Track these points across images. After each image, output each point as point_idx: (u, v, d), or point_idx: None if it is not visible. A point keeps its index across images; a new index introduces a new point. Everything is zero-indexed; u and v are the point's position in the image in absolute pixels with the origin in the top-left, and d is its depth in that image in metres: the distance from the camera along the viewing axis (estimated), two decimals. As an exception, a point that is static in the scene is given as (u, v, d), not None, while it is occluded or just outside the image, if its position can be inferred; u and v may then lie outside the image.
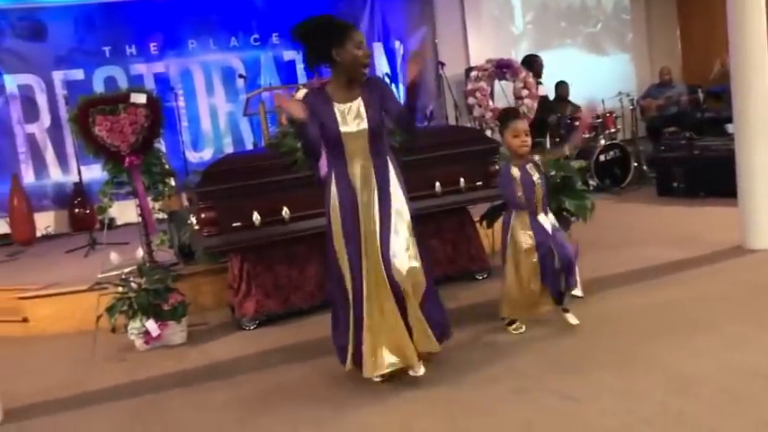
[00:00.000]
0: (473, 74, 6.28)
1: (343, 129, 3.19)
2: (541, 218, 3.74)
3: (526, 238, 3.70)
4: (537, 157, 3.80)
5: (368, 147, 3.22)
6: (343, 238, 3.21)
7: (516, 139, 3.67)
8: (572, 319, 3.78)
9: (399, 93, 9.36)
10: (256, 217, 4.38)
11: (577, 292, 3.85)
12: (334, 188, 3.25)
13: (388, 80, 9.20)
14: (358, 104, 3.21)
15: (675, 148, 7.59)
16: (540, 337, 3.73)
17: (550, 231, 3.72)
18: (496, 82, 6.92)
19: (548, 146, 5.49)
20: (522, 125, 3.69)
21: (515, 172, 3.72)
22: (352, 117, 3.20)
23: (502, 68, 6.20)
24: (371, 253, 3.15)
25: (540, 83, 7.92)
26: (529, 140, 3.69)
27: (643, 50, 10.84)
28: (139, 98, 4.56)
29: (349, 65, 3.15)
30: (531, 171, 3.72)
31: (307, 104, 3.14)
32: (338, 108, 3.21)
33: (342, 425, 2.99)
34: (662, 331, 3.54)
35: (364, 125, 3.19)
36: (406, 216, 3.28)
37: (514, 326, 3.83)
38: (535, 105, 6.40)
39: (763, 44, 4.80)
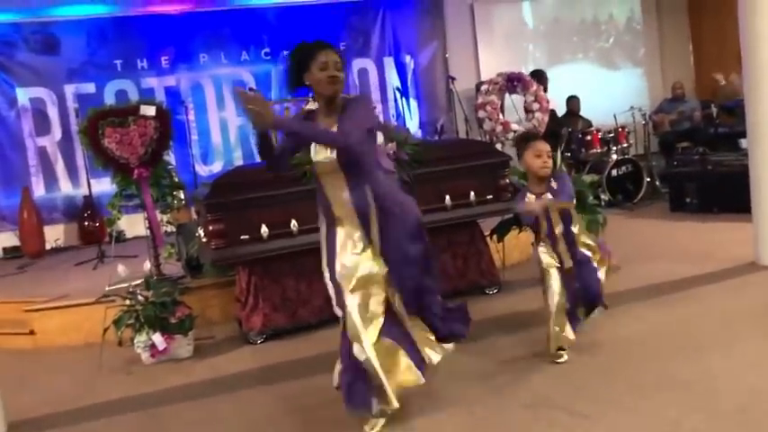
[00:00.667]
0: (483, 87, 6.25)
1: (314, 157, 3.00)
2: (561, 250, 3.53)
3: (550, 260, 3.54)
4: (548, 198, 3.49)
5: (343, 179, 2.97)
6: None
7: (538, 160, 3.46)
8: (561, 358, 3.52)
9: (410, 106, 9.42)
10: (264, 230, 4.35)
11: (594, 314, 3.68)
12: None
13: (398, 94, 9.21)
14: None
15: (688, 164, 7.53)
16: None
17: (574, 268, 3.52)
18: (507, 96, 6.89)
19: (559, 161, 5.42)
20: (544, 146, 3.49)
21: (531, 200, 3.51)
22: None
23: (512, 82, 6.18)
24: None
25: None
26: (550, 162, 3.49)
27: (655, 65, 10.78)
28: (149, 110, 4.58)
29: (316, 87, 2.97)
30: (545, 202, 3.49)
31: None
32: None
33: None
34: (675, 348, 3.48)
35: (332, 154, 2.94)
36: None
37: (560, 353, 3.53)
38: (546, 119, 6.36)
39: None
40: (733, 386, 3.00)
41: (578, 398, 3.06)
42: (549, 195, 3.48)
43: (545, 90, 7.84)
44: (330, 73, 2.92)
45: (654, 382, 3.14)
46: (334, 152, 2.91)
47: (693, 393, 2.97)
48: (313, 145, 2.99)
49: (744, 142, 6.01)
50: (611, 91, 9.99)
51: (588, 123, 8.72)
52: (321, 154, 2.97)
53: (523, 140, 3.57)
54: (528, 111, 6.32)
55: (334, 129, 2.90)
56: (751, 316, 3.91)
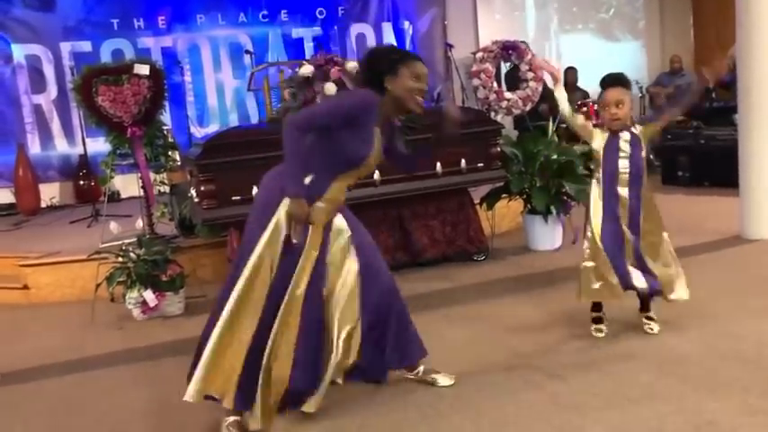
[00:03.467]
0: (478, 55, 6.24)
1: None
2: (622, 194, 3.25)
3: (597, 210, 3.29)
4: (638, 128, 3.28)
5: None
6: None
7: (605, 111, 3.23)
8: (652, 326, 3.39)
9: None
10: (256, 191, 4.38)
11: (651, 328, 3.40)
12: None
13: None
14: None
15: (682, 137, 7.56)
16: (533, 316, 3.75)
17: (625, 219, 3.27)
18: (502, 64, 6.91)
19: (550, 131, 5.45)
20: (614, 94, 3.21)
21: (599, 141, 3.28)
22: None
23: (507, 50, 6.17)
24: None
25: None
26: (620, 113, 3.20)
27: (655, 38, 10.73)
28: (142, 69, 4.57)
29: (399, 94, 2.71)
30: (622, 145, 3.24)
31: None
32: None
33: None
34: (655, 314, 3.55)
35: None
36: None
37: (597, 326, 3.40)
38: (540, 89, 6.37)
39: (770, 33, 4.76)
40: (704, 354, 3.08)
41: (556, 361, 3.14)
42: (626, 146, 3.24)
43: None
44: (423, 86, 2.72)
45: (632, 345, 3.23)
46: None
47: (666, 360, 3.06)
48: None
49: (737, 117, 6.04)
50: (609, 63, 9.91)
51: (585, 95, 8.71)
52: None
53: (602, 88, 3.29)
54: (522, 80, 6.32)
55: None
56: (731, 286, 4.00)
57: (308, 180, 2.67)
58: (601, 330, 3.40)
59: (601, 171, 3.30)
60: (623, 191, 3.27)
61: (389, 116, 2.82)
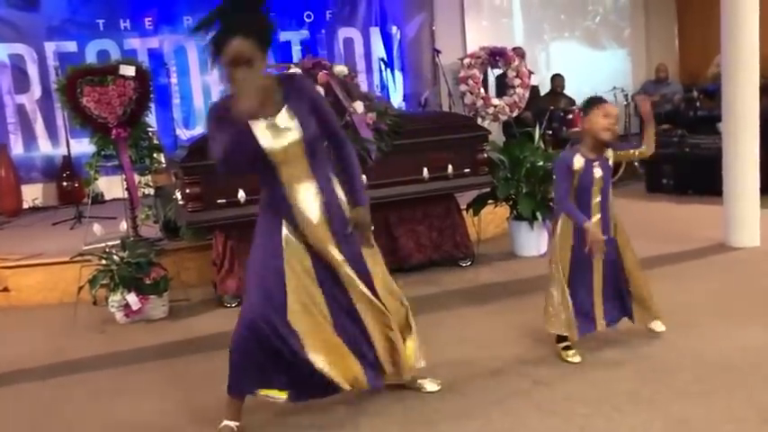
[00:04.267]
0: (466, 61, 6.27)
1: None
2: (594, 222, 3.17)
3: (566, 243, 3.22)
4: (609, 152, 3.23)
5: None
6: None
7: (605, 120, 3.11)
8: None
9: (395, 78, 9.41)
10: (241, 194, 4.37)
11: (657, 326, 3.40)
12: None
13: (383, 65, 9.19)
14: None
15: (666, 145, 7.60)
16: (519, 322, 3.75)
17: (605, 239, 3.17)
18: (489, 70, 6.95)
19: (537, 137, 5.48)
20: (614, 110, 3.17)
21: (578, 162, 3.14)
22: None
23: (494, 56, 6.20)
24: None
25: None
26: (616, 129, 3.17)
27: (640, 46, 10.82)
28: (128, 70, 4.55)
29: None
30: (596, 168, 3.17)
31: None
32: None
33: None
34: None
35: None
36: None
37: (570, 352, 3.23)
38: (527, 95, 6.41)
39: (754, 43, 4.81)
40: (689, 361, 3.10)
41: (542, 367, 3.15)
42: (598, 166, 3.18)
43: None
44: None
45: (616, 355, 3.24)
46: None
47: (650, 366, 3.08)
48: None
49: (721, 126, 6.10)
50: (595, 70, 10.03)
51: (571, 102, 8.76)
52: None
53: (591, 102, 3.23)
54: (509, 86, 6.35)
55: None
56: (714, 294, 4.03)
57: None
58: (576, 354, 3.22)
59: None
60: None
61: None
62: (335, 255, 2.67)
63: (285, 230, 2.67)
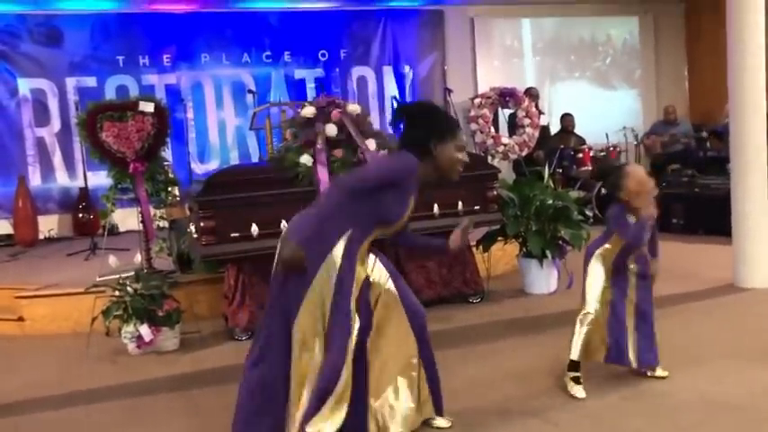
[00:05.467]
0: (477, 101, 6.38)
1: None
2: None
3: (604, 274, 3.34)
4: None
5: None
6: None
7: (646, 195, 3.24)
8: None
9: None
10: (255, 229, 4.44)
11: (660, 372, 3.40)
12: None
13: (395, 103, 9.32)
14: None
15: (677, 185, 7.66)
16: (528, 360, 3.76)
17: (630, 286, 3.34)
18: (500, 109, 7.05)
19: (546, 176, 5.55)
20: (638, 173, 3.29)
21: (631, 218, 3.27)
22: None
23: (505, 97, 6.31)
24: None
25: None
26: (649, 188, 3.27)
27: (651, 87, 10.93)
28: (147, 106, 4.65)
29: (441, 162, 2.80)
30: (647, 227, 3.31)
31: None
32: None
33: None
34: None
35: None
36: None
37: (577, 388, 3.25)
38: (536, 135, 6.49)
39: (761, 84, 4.88)
40: (696, 401, 3.10)
41: (550, 407, 3.15)
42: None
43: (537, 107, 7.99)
44: (464, 159, 2.84)
45: (624, 392, 3.24)
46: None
47: (657, 404, 3.08)
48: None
49: (730, 167, 6.15)
50: (605, 110, 10.13)
51: (581, 141, 8.84)
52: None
53: (619, 172, 3.34)
54: (519, 126, 6.44)
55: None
56: (723, 334, 4.03)
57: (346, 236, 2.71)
58: (582, 389, 3.25)
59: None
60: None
61: (427, 178, 2.83)
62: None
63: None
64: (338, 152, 4.57)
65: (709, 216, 6.88)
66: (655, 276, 3.44)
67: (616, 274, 3.33)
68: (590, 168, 8.15)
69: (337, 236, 2.69)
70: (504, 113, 7.41)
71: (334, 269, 2.67)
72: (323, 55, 9.28)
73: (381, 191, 2.71)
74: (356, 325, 2.72)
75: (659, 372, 3.36)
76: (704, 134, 9.06)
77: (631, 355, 3.31)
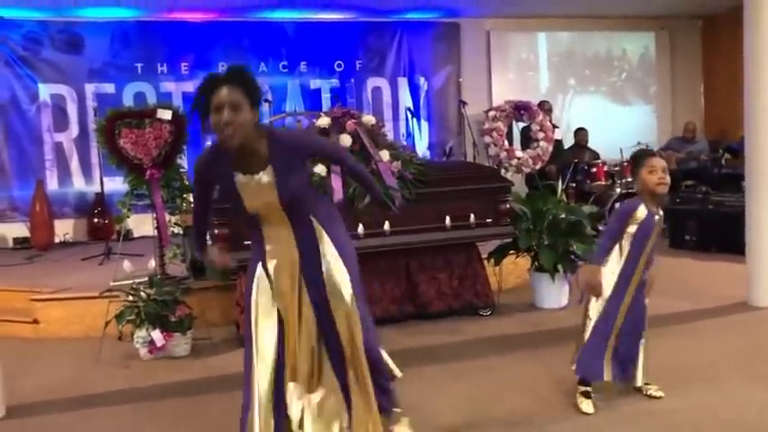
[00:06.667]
0: (491, 114, 6.40)
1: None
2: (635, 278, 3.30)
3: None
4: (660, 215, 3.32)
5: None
6: None
7: (652, 176, 3.19)
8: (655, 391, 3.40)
9: (421, 127, 9.58)
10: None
11: (656, 393, 3.39)
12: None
13: (410, 114, 9.39)
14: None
15: (691, 202, 7.63)
16: (536, 375, 3.76)
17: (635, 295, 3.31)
18: (514, 123, 7.07)
19: (559, 190, 5.54)
20: (659, 162, 3.22)
21: (641, 212, 3.22)
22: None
23: (519, 110, 6.33)
24: None
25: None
26: (668, 179, 3.21)
27: (666, 103, 10.91)
28: (165, 114, 4.72)
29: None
30: (656, 221, 3.26)
31: None
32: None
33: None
34: (656, 379, 3.56)
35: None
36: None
37: (586, 403, 3.26)
38: (550, 149, 6.50)
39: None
40: (707, 420, 3.09)
41: (557, 422, 3.15)
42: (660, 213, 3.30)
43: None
44: (222, 117, 2.51)
45: (635, 410, 3.23)
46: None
47: (668, 425, 3.07)
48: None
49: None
50: (620, 125, 10.11)
51: (595, 155, 8.83)
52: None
53: (637, 158, 3.34)
54: (533, 139, 6.46)
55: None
56: (735, 353, 4.00)
57: None
58: (591, 405, 3.26)
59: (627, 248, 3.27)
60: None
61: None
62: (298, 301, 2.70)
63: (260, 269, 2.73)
64: (352, 163, 4.59)
65: (722, 233, 6.84)
66: (652, 283, 3.39)
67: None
68: (604, 183, 8.13)
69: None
70: (518, 126, 7.43)
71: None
72: (339, 65, 9.35)
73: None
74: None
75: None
76: (720, 151, 9.03)
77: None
